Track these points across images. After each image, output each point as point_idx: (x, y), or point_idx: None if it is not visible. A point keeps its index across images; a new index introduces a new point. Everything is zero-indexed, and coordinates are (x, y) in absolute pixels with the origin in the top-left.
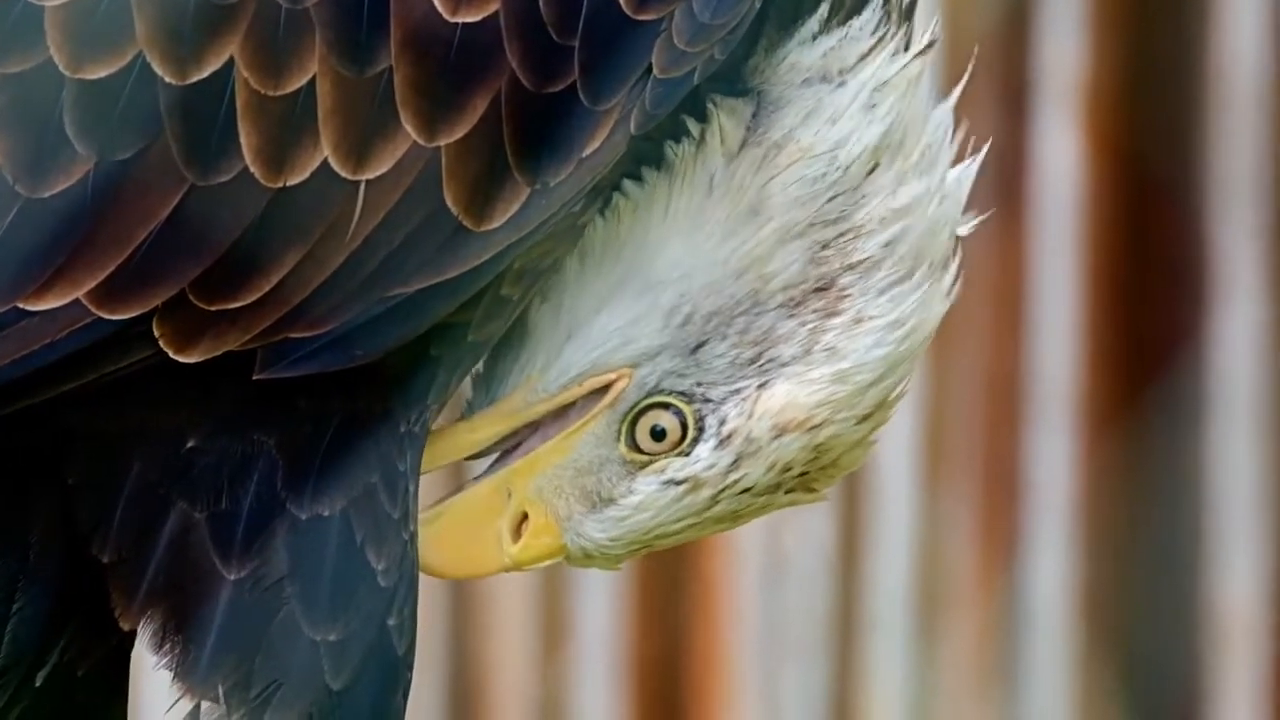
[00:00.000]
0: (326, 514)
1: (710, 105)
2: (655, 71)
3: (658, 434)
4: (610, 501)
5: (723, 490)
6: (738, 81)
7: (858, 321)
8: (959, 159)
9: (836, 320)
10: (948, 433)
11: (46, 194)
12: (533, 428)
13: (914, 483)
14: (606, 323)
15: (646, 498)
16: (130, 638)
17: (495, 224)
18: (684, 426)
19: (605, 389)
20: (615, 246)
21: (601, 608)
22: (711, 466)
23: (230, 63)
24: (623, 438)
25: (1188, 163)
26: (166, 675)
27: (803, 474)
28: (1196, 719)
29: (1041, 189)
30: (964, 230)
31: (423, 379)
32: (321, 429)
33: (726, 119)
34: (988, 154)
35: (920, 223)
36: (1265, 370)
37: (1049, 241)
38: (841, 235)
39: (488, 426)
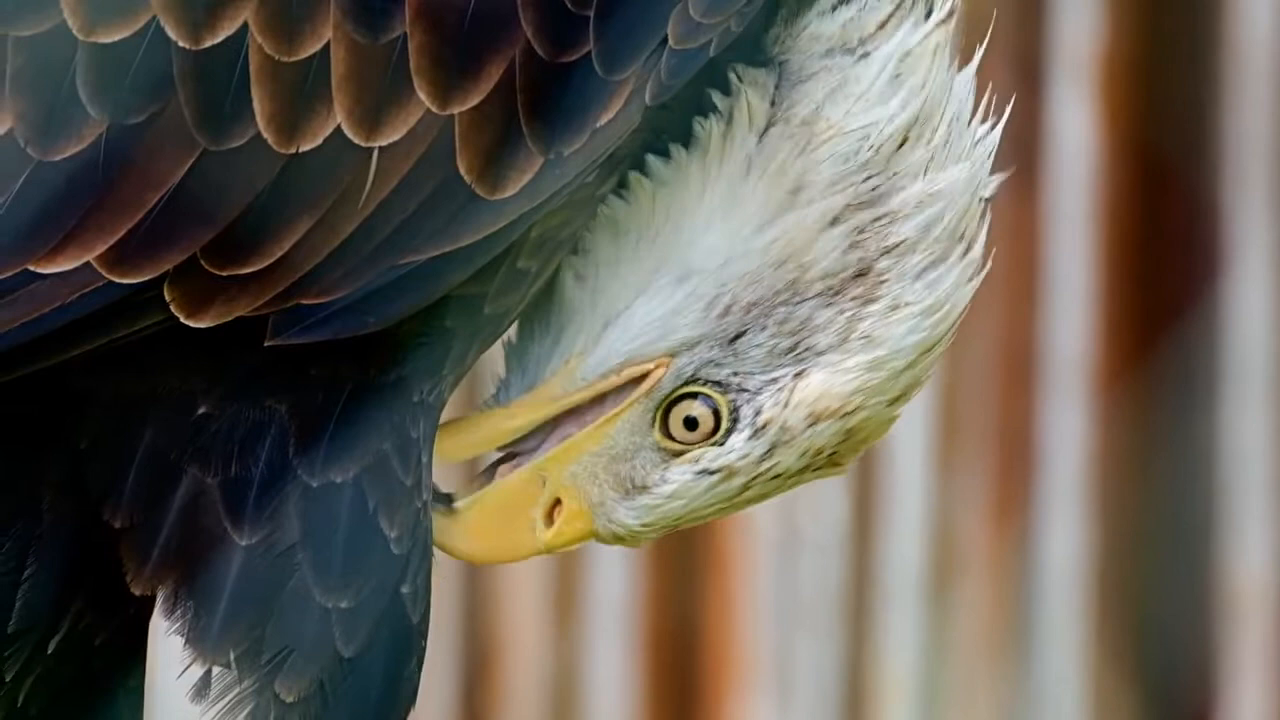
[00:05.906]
0: (339, 481)
1: (734, 78)
2: (671, 43)
3: (690, 424)
4: (644, 489)
5: (755, 478)
6: (757, 52)
7: (894, 308)
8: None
9: (873, 307)
10: (961, 406)
11: (58, 157)
12: (570, 414)
13: (927, 456)
14: (646, 312)
15: (680, 487)
16: (148, 607)
17: (508, 193)
18: (717, 416)
19: (642, 377)
20: (650, 227)
21: (615, 580)
22: (745, 456)
23: (244, 28)
24: (657, 425)
25: (1201, 135)
26: (179, 640)
27: (831, 454)
28: (1208, 689)
29: (1056, 162)
30: (988, 192)
31: (437, 350)
32: (334, 396)
33: (751, 93)
34: (1003, 126)
35: (956, 204)
36: (1278, 342)
37: (1063, 214)
38: (878, 219)
39: (526, 413)
